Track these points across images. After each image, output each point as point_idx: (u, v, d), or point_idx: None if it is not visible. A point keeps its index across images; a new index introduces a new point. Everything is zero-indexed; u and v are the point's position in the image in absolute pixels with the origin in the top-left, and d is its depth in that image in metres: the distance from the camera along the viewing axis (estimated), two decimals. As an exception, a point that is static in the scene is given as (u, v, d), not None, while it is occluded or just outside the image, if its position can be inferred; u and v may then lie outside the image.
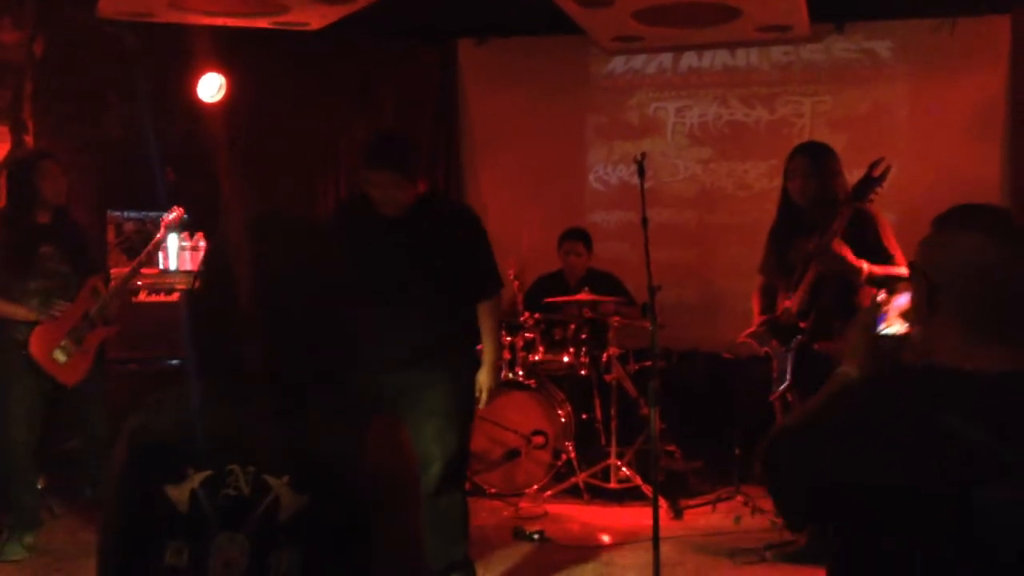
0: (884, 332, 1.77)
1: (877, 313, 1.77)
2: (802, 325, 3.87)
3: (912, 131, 6.07)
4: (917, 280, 1.64)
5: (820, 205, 3.88)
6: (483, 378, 3.70)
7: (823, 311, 3.85)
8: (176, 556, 1.41)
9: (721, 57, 6.48)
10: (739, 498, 4.78)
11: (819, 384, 3.98)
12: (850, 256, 3.76)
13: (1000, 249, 1.54)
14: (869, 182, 3.70)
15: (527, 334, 5.38)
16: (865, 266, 3.75)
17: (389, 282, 3.33)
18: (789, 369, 3.91)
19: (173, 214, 4.60)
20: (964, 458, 1.44)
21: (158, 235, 4.61)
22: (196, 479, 1.42)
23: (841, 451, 1.56)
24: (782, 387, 3.94)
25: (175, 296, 5.42)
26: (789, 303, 3.96)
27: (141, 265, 4.53)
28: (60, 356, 4.25)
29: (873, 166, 3.70)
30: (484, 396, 3.72)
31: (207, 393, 1.50)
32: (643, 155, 4.19)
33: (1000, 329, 1.54)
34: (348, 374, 1.54)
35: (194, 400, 1.50)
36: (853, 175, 4.12)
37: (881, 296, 1.78)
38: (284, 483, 1.40)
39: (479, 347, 3.73)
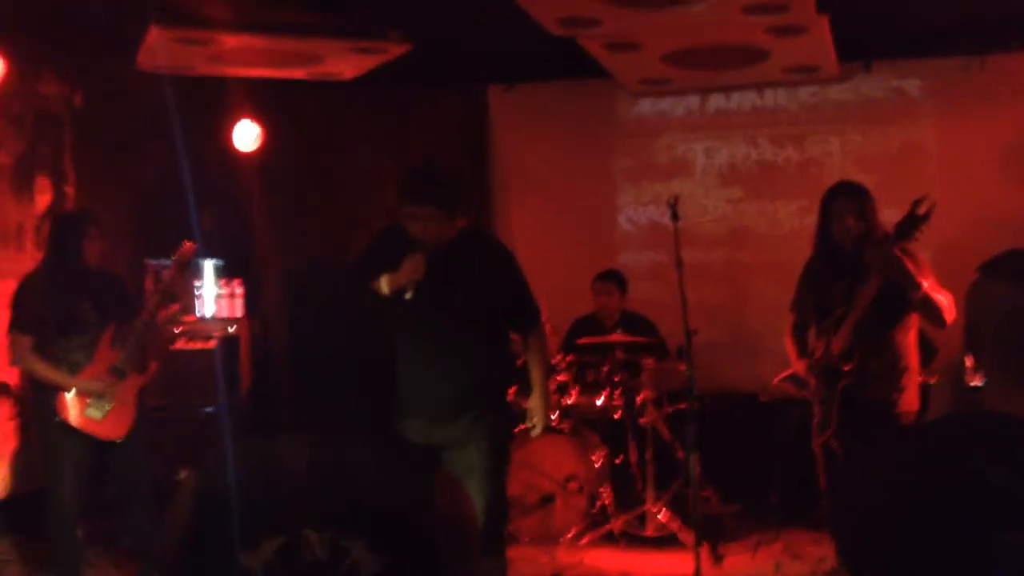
0: (973, 384, 1.78)
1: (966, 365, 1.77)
2: (846, 368, 3.81)
3: (942, 169, 6.05)
4: (965, 328, 1.65)
5: (864, 246, 3.84)
6: (536, 405, 3.66)
7: (865, 353, 3.80)
8: None
9: (749, 97, 6.51)
10: (779, 544, 4.71)
11: (864, 429, 3.88)
12: (912, 268, 3.72)
13: None
14: (915, 220, 3.63)
15: (560, 377, 5.36)
16: (926, 284, 3.69)
17: (429, 318, 3.31)
18: (834, 414, 3.84)
19: (185, 248, 4.36)
20: (990, 502, 1.44)
21: (171, 272, 4.42)
22: (270, 546, 1.38)
23: (883, 496, 1.58)
24: (827, 433, 3.86)
25: (212, 343, 5.46)
26: (821, 344, 3.92)
27: (160, 306, 4.35)
28: (94, 413, 4.19)
29: (917, 204, 3.64)
30: (540, 423, 3.67)
31: (268, 450, 1.49)
32: (676, 198, 4.21)
33: None
34: (393, 423, 1.55)
35: (257, 458, 1.48)
36: (884, 214, 4.12)
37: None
38: (361, 547, 1.38)
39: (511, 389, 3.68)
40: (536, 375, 3.68)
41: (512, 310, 3.59)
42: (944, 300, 3.67)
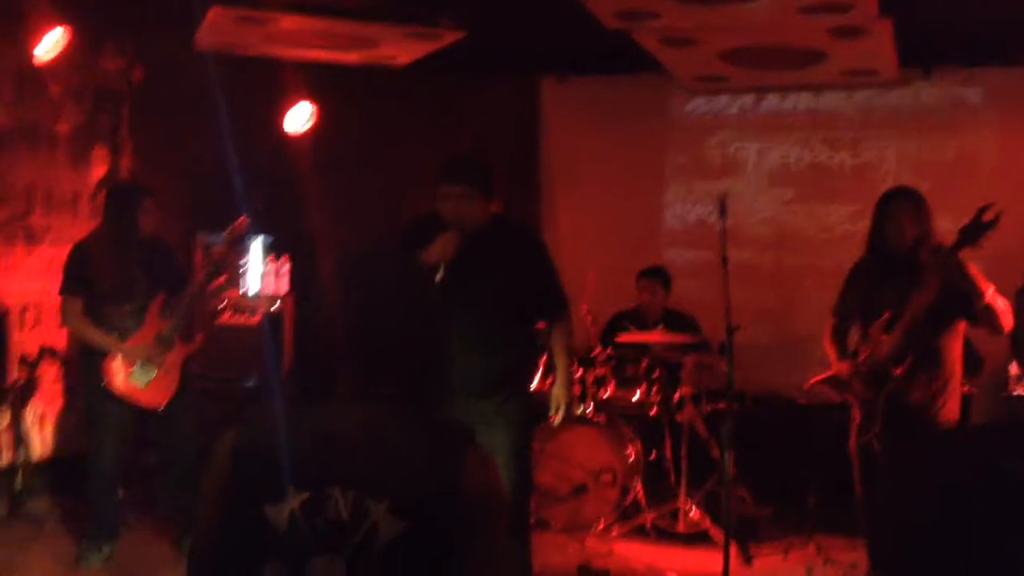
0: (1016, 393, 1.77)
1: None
2: (895, 372, 3.76)
3: (1001, 180, 5.92)
4: (1012, 334, 1.63)
5: (920, 250, 3.78)
6: (560, 392, 3.71)
7: (915, 358, 3.74)
8: None
9: (805, 99, 6.44)
10: (812, 547, 4.67)
11: (904, 434, 3.82)
12: (977, 275, 3.65)
13: None
14: (980, 226, 3.56)
15: (598, 370, 5.36)
16: (989, 292, 3.62)
17: (458, 301, 3.34)
18: (879, 416, 3.78)
19: (239, 224, 4.45)
20: None
21: (222, 246, 4.50)
22: (296, 500, 1.42)
23: (919, 501, 1.56)
24: (869, 434, 3.81)
25: (257, 318, 5.54)
26: (867, 346, 3.87)
27: (210, 278, 4.44)
28: (138, 380, 4.29)
29: (982, 211, 3.57)
30: (563, 411, 3.72)
31: (307, 413, 1.53)
32: (725, 194, 4.18)
33: None
34: (437, 396, 1.58)
35: (295, 420, 1.51)
36: (936, 223, 4.05)
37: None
38: (383, 508, 1.40)
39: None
40: (561, 363, 3.73)
41: (540, 298, 3.63)
42: (1003, 305, 3.61)
